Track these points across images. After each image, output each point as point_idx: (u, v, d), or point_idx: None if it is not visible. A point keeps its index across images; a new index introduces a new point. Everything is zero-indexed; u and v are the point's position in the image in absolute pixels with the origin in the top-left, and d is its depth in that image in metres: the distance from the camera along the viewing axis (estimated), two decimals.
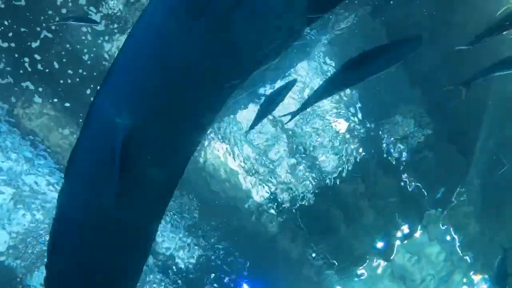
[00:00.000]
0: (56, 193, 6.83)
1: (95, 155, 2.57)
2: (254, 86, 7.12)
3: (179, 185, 7.13)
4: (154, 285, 7.76)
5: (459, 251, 8.15)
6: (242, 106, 7.15)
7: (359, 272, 8.15)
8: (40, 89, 6.09)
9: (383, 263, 8.18)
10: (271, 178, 7.57)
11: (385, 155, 7.58)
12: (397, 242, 8.06)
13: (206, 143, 7.23)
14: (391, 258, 8.17)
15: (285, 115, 5.34)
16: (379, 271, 8.23)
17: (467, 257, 8.22)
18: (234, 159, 7.41)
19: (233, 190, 7.54)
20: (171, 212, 7.43)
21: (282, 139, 7.46)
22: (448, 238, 8.09)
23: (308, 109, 7.25)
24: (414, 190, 7.78)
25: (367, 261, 8.12)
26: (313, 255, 7.91)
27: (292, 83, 5.35)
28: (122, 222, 2.61)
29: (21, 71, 5.95)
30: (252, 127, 5.72)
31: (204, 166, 7.33)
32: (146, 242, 2.75)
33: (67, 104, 6.42)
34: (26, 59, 5.88)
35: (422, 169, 7.71)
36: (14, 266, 7.06)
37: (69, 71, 6.25)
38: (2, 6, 5.45)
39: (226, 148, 7.33)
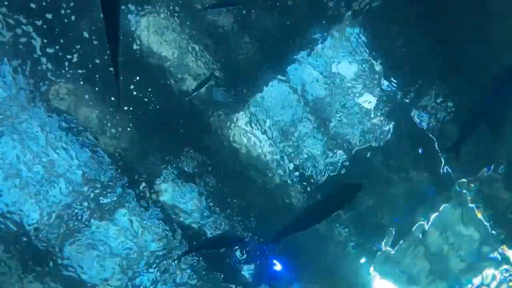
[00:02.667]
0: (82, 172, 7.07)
1: None
2: (279, 61, 7.10)
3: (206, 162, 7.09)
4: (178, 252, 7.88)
5: (490, 226, 8.06)
6: (268, 82, 7.13)
7: (384, 248, 8.13)
8: None
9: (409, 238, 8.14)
10: (296, 152, 7.57)
11: (412, 128, 7.47)
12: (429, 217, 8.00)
13: (231, 120, 7.27)
14: (419, 234, 8.12)
15: None
16: (405, 246, 8.19)
17: (498, 232, 8.11)
18: (259, 135, 7.43)
19: (258, 166, 7.57)
20: (197, 187, 7.53)
21: (307, 112, 7.42)
22: (478, 212, 8.00)
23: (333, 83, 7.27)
24: (442, 163, 7.69)
25: (393, 236, 8.09)
26: (338, 229, 7.91)
27: None
28: None
29: None
30: None
31: (229, 142, 7.36)
32: None
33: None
34: None
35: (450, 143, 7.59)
36: (46, 240, 7.25)
37: None
38: None
39: (251, 124, 7.35)
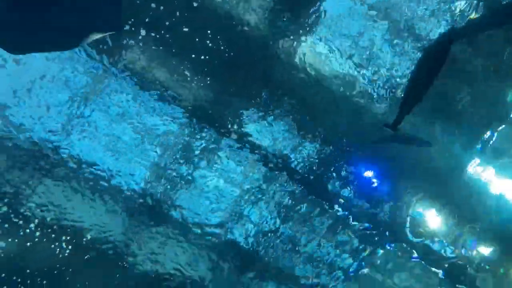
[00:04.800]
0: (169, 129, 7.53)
1: None
2: None
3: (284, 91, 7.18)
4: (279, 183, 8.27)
5: None
6: None
7: (487, 138, 7.86)
8: None
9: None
10: (372, 61, 7.46)
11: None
12: None
13: (299, 44, 7.28)
14: None
15: None
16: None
17: None
18: (327, 50, 7.39)
19: (334, 83, 7.59)
20: (282, 119, 7.76)
21: (375, 17, 7.24)
22: None
23: None
24: None
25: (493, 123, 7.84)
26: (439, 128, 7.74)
27: None
28: None
29: None
30: None
31: (300, 63, 7.41)
32: None
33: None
34: None
35: None
36: (155, 194, 7.92)
37: None
38: None
39: (320, 43, 7.33)
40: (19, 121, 7.05)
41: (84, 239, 7.58)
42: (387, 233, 8.72)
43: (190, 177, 7.93)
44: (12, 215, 6.99)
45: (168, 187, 7.92)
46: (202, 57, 7.25)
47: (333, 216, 8.56)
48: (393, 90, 7.55)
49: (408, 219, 8.60)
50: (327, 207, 8.49)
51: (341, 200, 8.46)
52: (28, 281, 7.21)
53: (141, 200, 7.92)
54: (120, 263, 7.97)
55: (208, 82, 7.44)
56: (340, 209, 8.52)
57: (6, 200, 6.97)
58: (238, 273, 8.55)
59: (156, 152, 7.82)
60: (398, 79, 7.48)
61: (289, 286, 8.72)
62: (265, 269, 8.60)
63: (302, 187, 8.27)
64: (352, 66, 7.48)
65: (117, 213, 7.90)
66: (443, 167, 8.11)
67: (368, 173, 8.14)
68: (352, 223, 8.60)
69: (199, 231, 8.18)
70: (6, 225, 6.96)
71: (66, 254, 7.48)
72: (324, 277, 8.78)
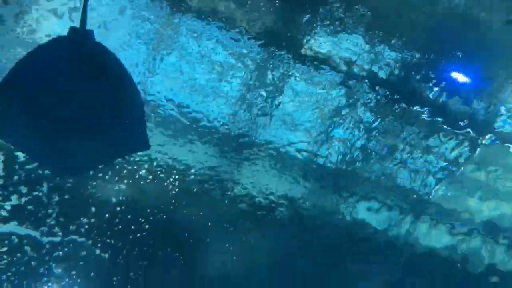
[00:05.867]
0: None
1: None
2: None
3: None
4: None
5: None
6: None
7: None
8: None
9: None
10: None
11: None
12: None
13: None
14: None
15: None
16: None
17: None
18: None
19: None
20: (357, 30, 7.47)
21: None
22: None
23: None
24: None
25: None
26: None
27: None
28: None
29: None
30: None
31: None
32: None
33: None
34: None
35: None
36: (242, 127, 8.20)
37: None
38: None
39: None
40: None
41: (189, 177, 8.18)
42: (482, 130, 8.45)
43: (272, 105, 8.07)
44: (125, 164, 7.67)
45: (252, 118, 8.14)
46: None
47: (423, 120, 8.40)
48: None
49: (504, 112, 8.23)
50: (416, 113, 8.31)
51: (432, 103, 8.22)
52: (151, 218, 8.06)
53: (229, 134, 8.26)
54: (222, 194, 8.58)
55: (277, 3, 7.25)
56: (429, 112, 8.32)
57: None
58: (332, 193, 8.85)
59: (235, 86, 7.96)
60: None
61: (386, 198, 8.90)
62: (357, 185, 8.81)
63: (388, 97, 8.11)
64: None
65: (210, 149, 8.35)
66: None
67: (458, 73, 7.74)
68: (444, 126, 8.41)
69: (288, 154, 8.46)
70: (125, 171, 7.69)
71: (175, 192, 8.17)
72: (421, 183, 8.84)
